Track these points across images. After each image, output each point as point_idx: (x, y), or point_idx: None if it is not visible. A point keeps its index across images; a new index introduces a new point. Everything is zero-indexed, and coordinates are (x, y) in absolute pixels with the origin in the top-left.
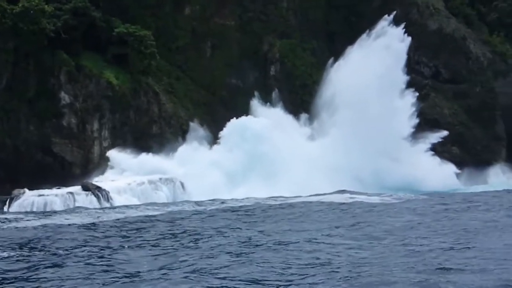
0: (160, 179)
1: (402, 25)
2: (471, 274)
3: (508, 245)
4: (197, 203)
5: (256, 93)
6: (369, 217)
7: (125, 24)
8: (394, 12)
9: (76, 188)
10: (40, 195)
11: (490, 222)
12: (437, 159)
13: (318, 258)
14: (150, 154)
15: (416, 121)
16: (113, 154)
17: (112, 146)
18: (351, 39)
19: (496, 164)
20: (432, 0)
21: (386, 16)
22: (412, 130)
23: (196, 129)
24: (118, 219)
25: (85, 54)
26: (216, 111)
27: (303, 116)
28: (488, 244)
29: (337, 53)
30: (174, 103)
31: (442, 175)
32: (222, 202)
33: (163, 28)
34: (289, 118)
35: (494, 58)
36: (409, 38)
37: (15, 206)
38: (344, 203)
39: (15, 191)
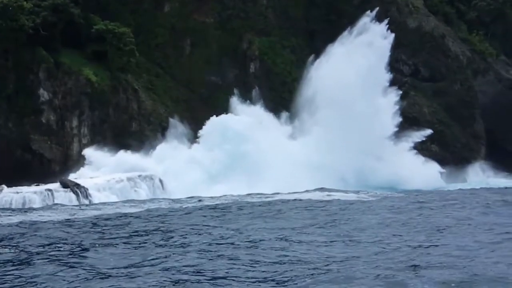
0: (139, 176)
1: (385, 21)
2: (438, 270)
3: (479, 242)
4: (175, 200)
5: (235, 91)
6: (344, 215)
7: (104, 21)
8: (377, 8)
9: (55, 185)
10: (18, 192)
11: (463, 220)
12: (420, 158)
13: (287, 256)
14: (129, 152)
15: (399, 119)
16: (89, 152)
17: (91, 143)
18: (331, 37)
19: (475, 163)
20: None
21: (368, 12)
22: (396, 129)
23: (176, 126)
24: (94, 216)
25: (64, 51)
26: (196, 108)
27: (284, 114)
28: (459, 241)
29: (317, 50)
30: (153, 100)
31: (426, 174)
32: (200, 200)
33: (143, 25)
34: (269, 116)
35: (473, 56)
36: (392, 35)
37: None
38: (321, 201)
39: None
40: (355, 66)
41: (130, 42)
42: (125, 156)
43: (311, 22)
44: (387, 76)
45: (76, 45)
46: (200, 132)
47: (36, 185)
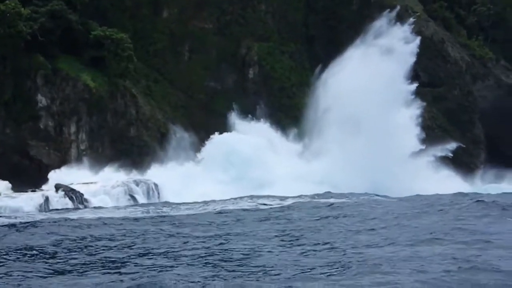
0: (135, 181)
1: (409, 21)
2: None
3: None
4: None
5: (234, 106)
6: (300, 221)
7: (102, 27)
8: (397, 8)
9: (51, 191)
10: (13, 198)
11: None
12: (443, 172)
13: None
14: (121, 172)
15: (422, 134)
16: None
17: (89, 148)
18: (331, 42)
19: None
20: (411, 3)
21: (386, 12)
22: (422, 147)
23: (181, 135)
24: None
25: (62, 57)
26: (195, 114)
27: (292, 131)
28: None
29: (316, 56)
30: (151, 105)
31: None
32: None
33: (141, 31)
34: (277, 135)
35: (473, 61)
36: (418, 38)
37: None
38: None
39: None
40: (372, 75)
41: (128, 48)
42: (117, 176)
43: (310, 27)
44: (409, 86)
45: (74, 51)
46: (201, 153)
47: (32, 191)
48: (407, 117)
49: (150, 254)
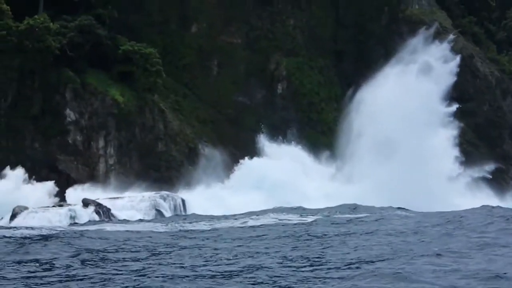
0: (162, 196)
1: (450, 38)
2: None
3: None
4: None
5: (263, 128)
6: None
7: (131, 42)
8: (436, 25)
9: (78, 205)
10: (41, 212)
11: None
12: (480, 193)
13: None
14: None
15: (461, 158)
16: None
17: (117, 163)
18: (359, 58)
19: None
20: (440, 19)
21: (422, 29)
22: (459, 171)
23: (210, 153)
24: None
25: (91, 72)
26: (223, 129)
27: (324, 154)
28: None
29: (345, 71)
30: (180, 120)
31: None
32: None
33: (170, 46)
34: (309, 158)
35: (502, 76)
36: (458, 57)
37: (17, 221)
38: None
39: (16, 208)
40: (408, 95)
41: (156, 62)
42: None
43: (338, 42)
44: (445, 109)
45: (102, 65)
46: (230, 179)
47: (60, 205)
48: (444, 139)
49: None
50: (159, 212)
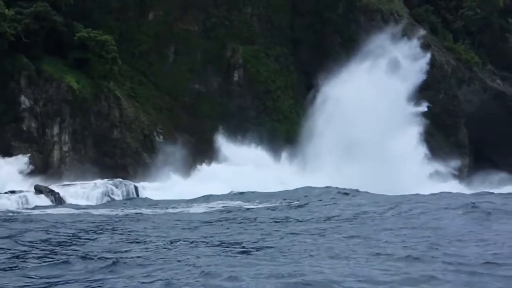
0: (114, 183)
1: (419, 34)
2: None
3: None
4: None
5: (220, 126)
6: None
7: (87, 29)
8: (405, 21)
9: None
10: None
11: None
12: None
13: None
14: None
15: (429, 162)
16: None
17: (72, 150)
18: (316, 46)
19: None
20: (397, 7)
21: (392, 26)
22: (429, 172)
23: (171, 150)
24: None
25: (46, 59)
26: (179, 116)
27: (284, 154)
28: None
29: (302, 59)
30: (135, 108)
31: None
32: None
33: (126, 33)
34: (268, 159)
35: (458, 65)
36: (428, 55)
37: None
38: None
39: None
40: (376, 94)
41: (112, 49)
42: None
43: (295, 30)
44: (415, 108)
45: (58, 52)
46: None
47: (12, 192)
48: (412, 139)
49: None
50: (111, 199)
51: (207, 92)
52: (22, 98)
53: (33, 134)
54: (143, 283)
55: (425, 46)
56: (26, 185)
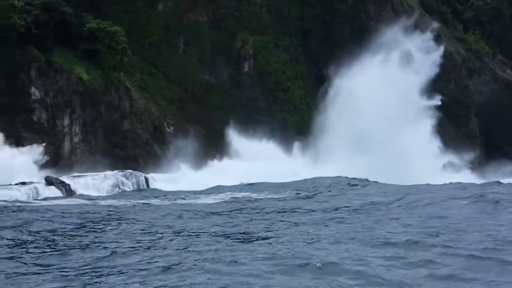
0: (124, 174)
1: (432, 26)
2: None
3: None
4: None
5: (231, 120)
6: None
7: (97, 20)
8: (415, 15)
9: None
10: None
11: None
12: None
13: None
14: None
15: (443, 159)
16: None
17: (82, 141)
18: (325, 37)
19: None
20: None
21: (403, 19)
22: (444, 162)
23: (182, 141)
24: None
25: (56, 50)
26: (189, 107)
27: (295, 146)
28: None
29: (311, 50)
30: (146, 99)
31: None
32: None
33: (136, 24)
34: (279, 153)
35: (469, 55)
36: (441, 48)
37: None
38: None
39: None
40: (384, 88)
41: (122, 40)
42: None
43: (305, 21)
44: (422, 102)
45: (68, 43)
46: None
47: (22, 183)
48: (425, 133)
49: None
50: (122, 190)
51: (217, 83)
52: (33, 89)
53: (44, 125)
54: (141, 269)
55: (437, 39)
56: (37, 177)
